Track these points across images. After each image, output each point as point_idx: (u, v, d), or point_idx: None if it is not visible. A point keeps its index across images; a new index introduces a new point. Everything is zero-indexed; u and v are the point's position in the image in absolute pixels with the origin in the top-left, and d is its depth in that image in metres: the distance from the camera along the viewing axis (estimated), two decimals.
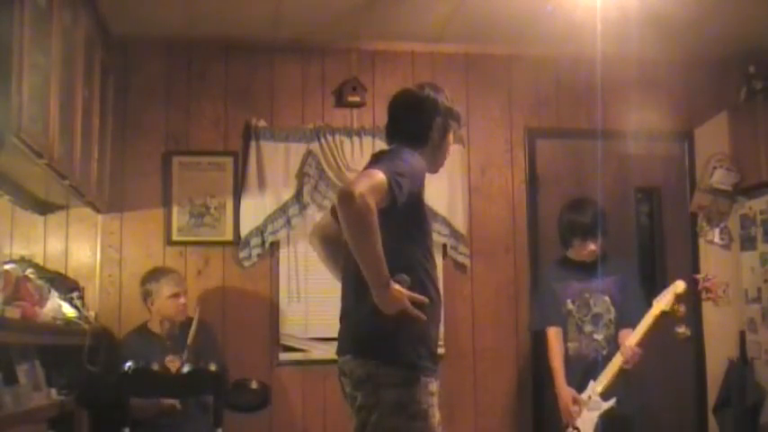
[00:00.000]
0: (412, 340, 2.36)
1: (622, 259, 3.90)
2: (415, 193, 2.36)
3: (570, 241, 3.78)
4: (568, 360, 3.69)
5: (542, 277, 4.10)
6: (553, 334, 3.76)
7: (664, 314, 3.55)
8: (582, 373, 3.63)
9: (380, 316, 2.27)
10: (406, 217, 2.34)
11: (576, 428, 3.53)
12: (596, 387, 3.55)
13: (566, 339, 3.73)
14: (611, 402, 3.51)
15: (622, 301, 3.73)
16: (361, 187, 2.15)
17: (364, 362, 2.37)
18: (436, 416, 2.40)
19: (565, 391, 3.62)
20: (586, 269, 3.75)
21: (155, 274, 3.89)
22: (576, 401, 3.56)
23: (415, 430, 2.32)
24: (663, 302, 3.56)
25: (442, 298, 2.77)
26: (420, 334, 2.38)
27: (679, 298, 3.57)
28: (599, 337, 3.69)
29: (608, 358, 3.61)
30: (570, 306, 3.76)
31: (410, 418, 2.32)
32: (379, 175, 2.21)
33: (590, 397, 3.55)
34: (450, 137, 2.65)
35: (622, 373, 3.55)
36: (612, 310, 3.72)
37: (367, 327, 2.37)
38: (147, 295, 3.85)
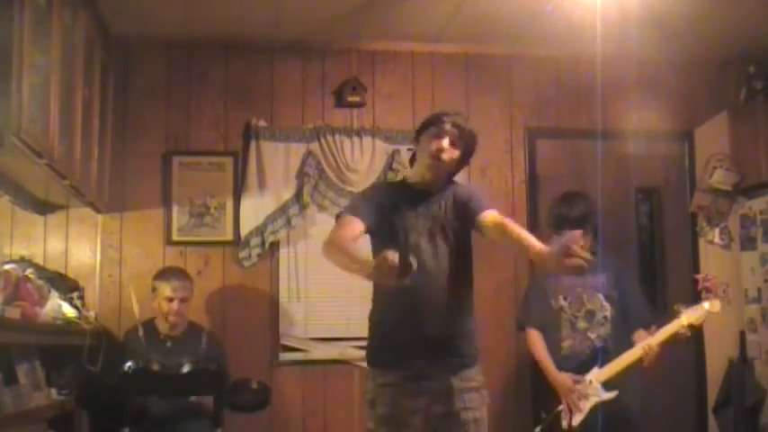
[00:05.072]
0: (370, 336, 2.85)
1: (617, 257, 3.79)
2: (356, 207, 2.78)
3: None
4: (564, 358, 3.60)
5: (534, 273, 3.98)
6: (533, 335, 3.71)
7: (691, 327, 3.47)
8: (576, 370, 3.55)
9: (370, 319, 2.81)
10: (373, 233, 2.76)
11: (569, 408, 3.48)
12: (600, 375, 3.49)
13: (559, 338, 3.64)
14: (612, 394, 3.45)
15: (619, 299, 3.64)
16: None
17: None
18: (386, 406, 2.68)
19: (560, 377, 3.55)
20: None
21: (164, 273, 3.90)
22: (576, 383, 3.49)
23: (368, 416, 2.76)
24: (693, 316, 3.47)
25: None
26: (374, 329, 2.83)
27: (710, 317, 3.51)
28: (593, 335, 3.59)
29: (605, 352, 3.54)
30: (562, 302, 3.66)
31: (366, 405, 2.77)
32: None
33: (591, 382, 3.49)
34: (424, 139, 2.87)
35: (631, 369, 3.48)
36: (608, 307, 3.62)
37: None
38: (153, 290, 3.86)
